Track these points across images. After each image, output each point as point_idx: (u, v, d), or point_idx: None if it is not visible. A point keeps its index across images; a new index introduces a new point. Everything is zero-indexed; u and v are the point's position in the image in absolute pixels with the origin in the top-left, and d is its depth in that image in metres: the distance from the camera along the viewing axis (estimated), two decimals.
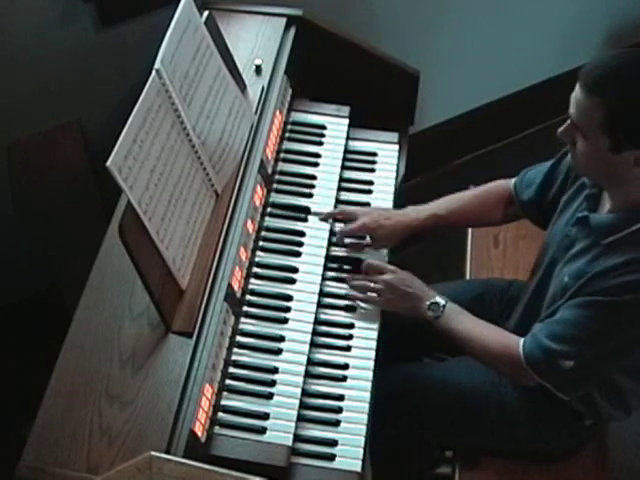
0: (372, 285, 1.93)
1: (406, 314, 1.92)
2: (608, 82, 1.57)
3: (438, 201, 2.08)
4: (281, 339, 1.82)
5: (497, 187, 2.07)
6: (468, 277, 2.38)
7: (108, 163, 1.52)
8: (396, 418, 2.03)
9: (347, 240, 2.05)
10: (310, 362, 1.82)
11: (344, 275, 1.99)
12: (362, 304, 1.94)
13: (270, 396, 1.74)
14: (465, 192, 2.11)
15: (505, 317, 1.99)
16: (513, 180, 2.04)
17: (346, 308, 1.94)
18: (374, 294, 1.93)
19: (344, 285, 1.97)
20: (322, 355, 1.86)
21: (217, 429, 1.68)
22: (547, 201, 1.93)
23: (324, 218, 2.05)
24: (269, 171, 2.05)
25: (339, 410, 1.77)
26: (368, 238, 2.05)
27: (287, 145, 2.18)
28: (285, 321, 1.85)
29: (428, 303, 1.89)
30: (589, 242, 1.72)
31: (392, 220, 2.03)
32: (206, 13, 2.01)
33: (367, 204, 2.13)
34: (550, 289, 1.83)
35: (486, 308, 2.06)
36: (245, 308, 1.86)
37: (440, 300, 1.89)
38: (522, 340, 1.79)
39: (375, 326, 1.91)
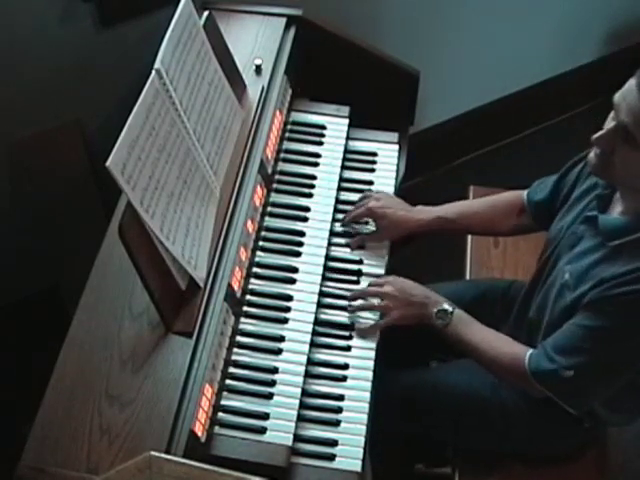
0: (374, 303, 1.91)
1: (413, 323, 1.90)
2: None
3: (448, 204, 2.07)
4: (281, 339, 1.82)
5: (509, 196, 2.07)
6: (468, 277, 2.38)
7: (108, 163, 1.52)
8: (397, 423, 2.03)
9: (354, 228, 2.05)
10: (310, 362, 1.82)
11: (344, 286, 1.96)
12: (367, 324, 1.90)
13: (270, 396, 1.74)
14: (476, 199, 2.11)
15: (505, 318, 2.00)
16: (526, 190, 2.04)
17: (346, 308, 1.93)
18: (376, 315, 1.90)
19: (344, 285, 1.97)
20: (322, 355, 1.86)
21: (217, 429, 1.68)
22: (559, 200, 1.92)
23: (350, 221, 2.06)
24: (269, 171, 2.05)
25: (339, 410, 1.77)
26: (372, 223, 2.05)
27: (287, 145, 2.18)
28: (285, 321, 1.85)
29: (435, 310, 1.86)
30: (595, 242, 1.71)
31: (398, 213, 2.03)
32: (206, 13, 2.01)
33: None
34: (548, 283, 1.83)
35: (487, 308, 2.06)
36: (245, 308, 1.86)
37: (447, 307, 1.86)
38: (529, 352, 1.77)
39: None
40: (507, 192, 2.08)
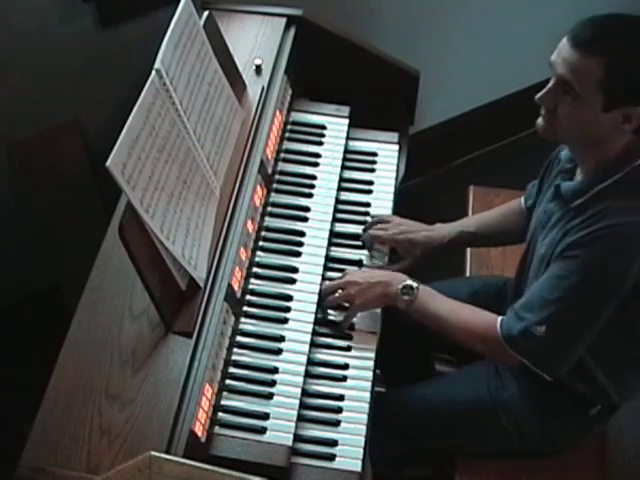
0: (340, 298, 1.90)
1: (381, 305, 1.89)
2: (608, 40, 1.60)
3: (465, 218, 2.12)
4: (281, 339, 1.83)
5: (513, 204, 2.09)
6: (468, 275, 2.38)
7: (108, 163, 1.52)
8: (402, 440, 2.04)
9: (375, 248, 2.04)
10: (310, 362, 1.82)
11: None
12: (341, 317, 1.90)
13: (270, 396, 1.74)
14: (487, 211, 2.14)
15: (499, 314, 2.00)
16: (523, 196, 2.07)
17: (346, 308, 1.93)
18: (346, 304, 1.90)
19: None
20: (322, 355, 1.86)
21: (217, 429, 1.68)
22: None
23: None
24: (269, 171, 2.05)
25: (339, 410, 1.77)
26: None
27: (287, 145, 2.18)
28: (285, 321, 1.86)
29: (400, 287, 1.86)
30: (563, 211, 1.73)
31: (420, 236, 2.04)
32: (206, 13, 2.01)
33: (367, 204, 2.13)
34: (529, 268, 1.84)
35: (481, 305, 2.06)
36: (245, 308, 1.86)
37: (412, 282, 1.87)
38: (500, 318, 1.79)
39: (376, 326, 1.91)
40: (511, 201, 2.11)
